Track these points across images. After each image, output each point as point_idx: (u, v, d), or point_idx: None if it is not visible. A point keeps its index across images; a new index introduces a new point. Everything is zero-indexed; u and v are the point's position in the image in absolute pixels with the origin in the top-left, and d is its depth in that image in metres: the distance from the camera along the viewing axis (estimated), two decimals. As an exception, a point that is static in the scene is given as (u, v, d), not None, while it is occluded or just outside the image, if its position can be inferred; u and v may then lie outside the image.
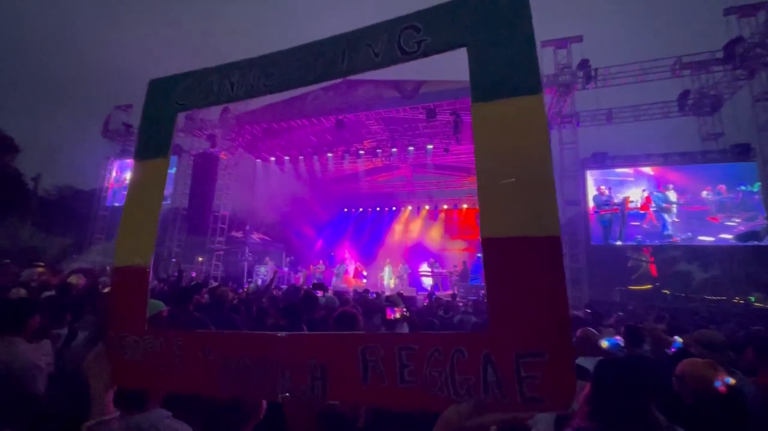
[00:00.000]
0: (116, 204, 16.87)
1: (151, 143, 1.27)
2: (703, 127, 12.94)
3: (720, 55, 11.43)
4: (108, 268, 11.48)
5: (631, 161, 13.04)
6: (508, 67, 0.91)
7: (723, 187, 11.82)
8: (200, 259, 15.12)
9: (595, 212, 12.99)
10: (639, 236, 12.83)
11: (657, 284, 15.97)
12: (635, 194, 12.75)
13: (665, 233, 12.36)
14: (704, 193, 12.05)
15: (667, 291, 14.84)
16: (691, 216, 12.13)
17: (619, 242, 13.09)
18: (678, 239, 12.34)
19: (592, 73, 12.02)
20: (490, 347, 0.78)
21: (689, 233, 12.17)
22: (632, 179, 12.91)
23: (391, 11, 1.15)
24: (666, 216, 12.33)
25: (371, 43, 1.06)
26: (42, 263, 11.69)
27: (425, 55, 1.01)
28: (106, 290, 5.29)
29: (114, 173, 17.24)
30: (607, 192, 12.99)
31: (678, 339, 2.98)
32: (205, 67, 1.31)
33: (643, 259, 17.35)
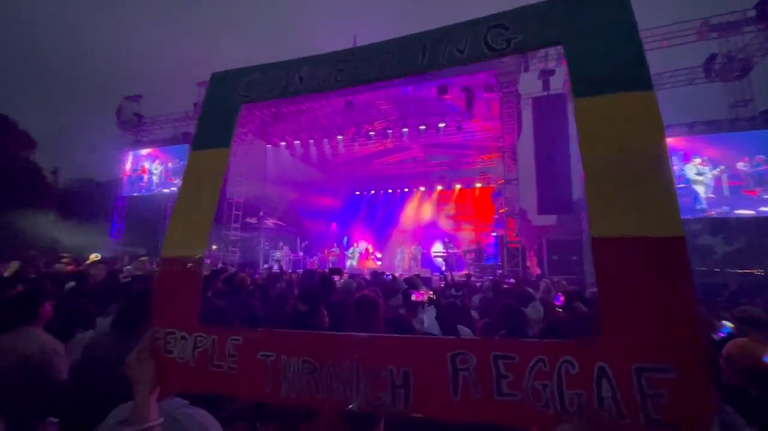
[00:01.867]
0: (134, 194, 17.15)
1: (212, 134, 1.27)
2: (731, 93, 12.25)
3: (752, 13, 10.69)
4: (127, 257, 11.75)
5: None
6: (611, 62, 0.88)
7: (761, 158, 11.17)
8: (214, 247, 15.34)
9: None
10: None
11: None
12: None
13: (698, 206, 11.83)
14: (740, 164, 11.42)
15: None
16: (726, 189, 11.55)
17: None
18: (713, 212, 11.79)
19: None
20: (604, 357, 0.70)
21: (725, 207, 11.60)
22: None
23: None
24: (698, 189, 11.79)
25: (454, 42, 1.05)
26: (66, 255, 12.06)
27: (515, 52, 1.00)
28: (126, 279, 5.37)
29: (129, 164, 17.44)
30: None
31: (727, 323, 2.82)
32: (271, 62, 1.32)
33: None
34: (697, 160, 11.85)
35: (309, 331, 0.97)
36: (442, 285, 6.48)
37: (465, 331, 2.88)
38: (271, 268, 12.83)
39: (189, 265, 1.06)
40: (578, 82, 0.90)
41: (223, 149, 1.24)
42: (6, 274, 5.66)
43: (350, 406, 0.83)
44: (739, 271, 12.26)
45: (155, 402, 0.94)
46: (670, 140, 12.17)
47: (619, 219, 0.77)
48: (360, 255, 17.07)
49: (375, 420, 1.24)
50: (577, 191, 12.10)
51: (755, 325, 2.45)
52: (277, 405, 1.06)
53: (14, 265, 6.56)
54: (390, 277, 7.37)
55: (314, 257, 16.46)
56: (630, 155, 0.80)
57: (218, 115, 1.29)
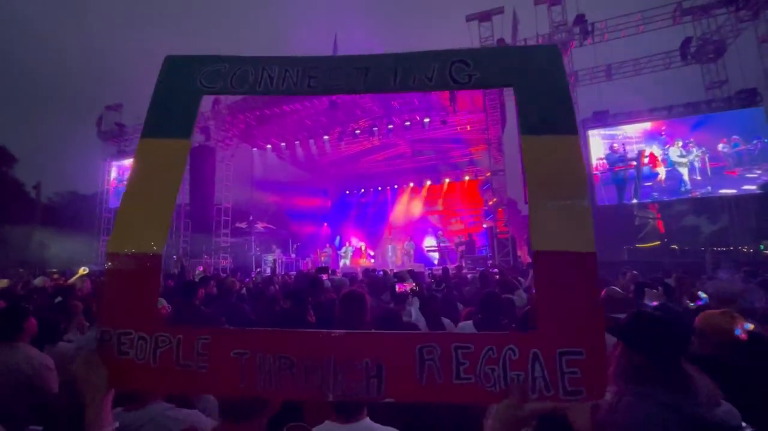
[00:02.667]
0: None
1: (169, 122, 1.18)
2: (707, 75, 12.51)
3: (722, -4, 10.92)
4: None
5: (634, 116, 12.70)
6: (549, 108, 1.07)
7: (737, 137, 11.45)
8: (206, 257, 15.23)
9: (609, 170, 12.68)
10: (655, 194, 12.55)
11: (665, 240, 15.89)
12: (647, 151, 12.40)
13: (683, 188, 12.09)
14: (720, 146, 11.69)
15: (675, 246, 14.78)
16: (709, 170, 11.80)
17: (634, 201, 12.84)
18: (698, 193, 12.07)
19: (589, 28, 11.57)
20: (538, 345, 0.89)
21: (709, 188, 11.89)
22: (637, 136, 12.58)
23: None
24: (682, 171, 12.04)
25: (423, 70, 1.16)
26: (55, 270, 11.87)
27: (474, 87, 1.16)
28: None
29: (114, 174, 17.20)
30: (621, 149, 12.65)
31: (703, 295, 2.96)
32: (235, 55, 1.26)
33: (650, 216, 17.19)
34: (680, 143, 12.10)
35: (286, 329, 1.00)
36: (430, 281, 6.55)
37: (447, 322, 2.95)
38: (264, 272, 12.79)
39: (142, 261, 1.01)
40: (525, 122, 1.09)
41: (182, 140, 1.17)
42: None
43: (330, 397, 0.90)
44: (722, 248, 12.54)
45: (109, 407, 0.93)
46: (651, 124, 12.41)
47: (553, 237, 0.96)
48: (353, 254, 17.09)
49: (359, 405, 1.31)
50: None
51: (725, 298, 2.55)
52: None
53: (2, 282, 6.49)
54: (381, 273, 7.42)
55: (307, 259, 16.43)
56: (561, 185, 1.00)
57: (175, 102, 1.21)
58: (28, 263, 15.78)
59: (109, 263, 1.04)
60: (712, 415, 1.14)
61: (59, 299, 4.49)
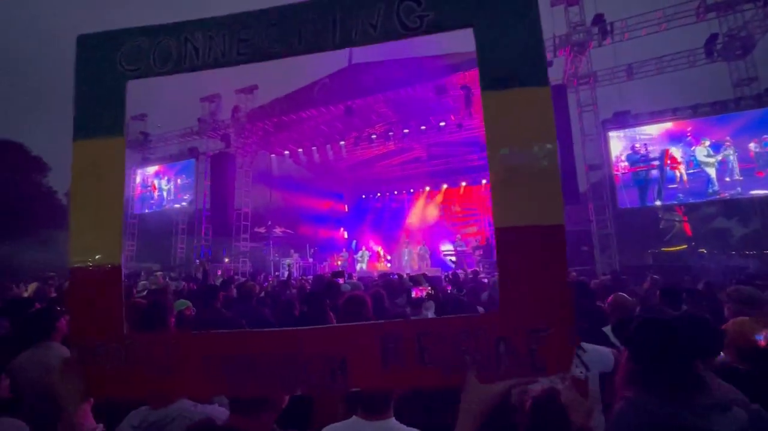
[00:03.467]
0: (146, 211, 17.58)
1: (97, 119, 1.05)
2: (734, 73, 12.03)
3: (749, -9, 10.52)
4: (143, 273, 11.99)
5: (657, 116, 12.32)
6: (516, 55, 0.92)
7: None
8: (227, 259, 15.56)
9: (631, 171, 12.24)
10: (681, 195, 11.98)
11: (692, 243, 15.32)
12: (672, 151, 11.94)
13: (710, 190, 11.54)
14: (751, 145, 11.15)
15: (703, 250, 14.23)
16: (737, 171, 11.27)
17: (658, 203, 12.33)
18: (726, 195, 11.48)
19: (608, 27, 11.34)
20: (503, 326, 0.87)
21: (739, 189, 11.30)
22: (661, 136, 12.19)
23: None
24: (709, 171, 11.56)
25: (366, 14, 0.99)
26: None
27: (428, 32, 0.97)
28: (142, 293, 5.51)
29: (139, 180, 17.83)
30: (643, 149, 12.21)
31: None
32: (153, 25, 1.08)
33: (676, 219, 16.58)
34: (706, 142, 11.65)
35: (253, 329, 1.02)
36: (446, 285, 6.50)
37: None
38: (282, 276, 12.98)
39: (107, 273, 0.99)
40: (486, 73, 0.95)
41: (114, 138, 1.05)
42: (26, 294, 5.86)
43: (298, 391, 0.93)
44: (753, 252, 11.98)
45: (88, 414, 0.95)
46: (675, 124, 12.02)
47: (517, 211, 0.89)
48: (369, 258, 17.13)
49: (387, 397, 1.34)
50: (584, 183, 12.01)
51: (750, 304, 2.46)
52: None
53: (33, 286, 6.82)
54: (396, 277, 7.43)
55: (324, 263, 16.58)
56: (525, 150, 0.89)
57: (99, 94, 1.06)
58: (58, 268, 16.48)
59: (72, 278, 1.02)
60: (710, 423, 1.09)
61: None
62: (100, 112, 1.06)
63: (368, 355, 0.91)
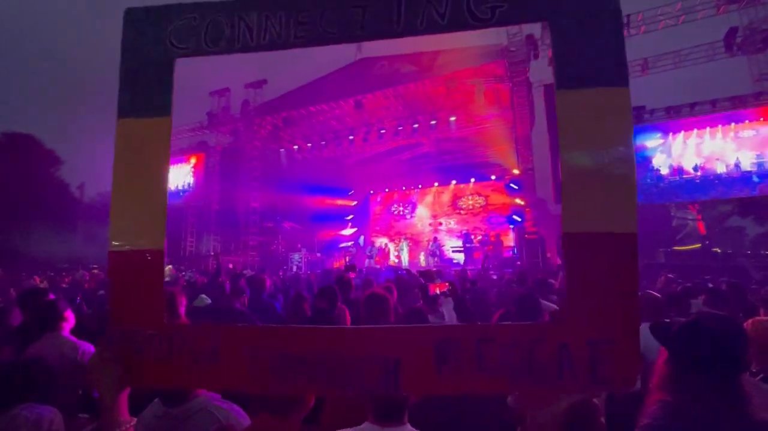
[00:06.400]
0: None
1: (145, 98, 1.02)
2: (755, 66, 11.70)
3: (773, -18, 10.20)
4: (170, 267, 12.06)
5: (673, 112, 12.05)
6: (594, 52, 0.87)
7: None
8: (234, 255, 15.67)
9: (643, 166, 11.96)
10: (694, 193, 11.76)
11: (706, 242, 15.02)
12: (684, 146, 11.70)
13: (724, 187, 11.27)
14: None
15: (717, 250, 13.94)
16: (755, 168, 10.98)
17: (671, 201, 11.96)
18: (742, 193, 11.33)
19: (625, 20, 11.08)
20: (567, 335, 0.83)
21: (756, 187, 11.03)
22: (676, 130, 11.90)
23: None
24: (722, 168, 11.26)
25: (433, 4, 0.94)
26: (96, 266, 12.55)
27: (499, 24, 0.92)
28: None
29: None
30: (656, 144, 11.93)
31: None
32: (208, 1, 1.03)
33: (690, 217, 16.27)
34: (721, 137, 11.39)
35: (300, 326, 0.97)
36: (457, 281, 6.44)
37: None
38: (290, 271, 13.04)
39: (148, 257, 0.95)
40: (561, 70, 0.89)
41: (162, 119, 1.01)
42: (41, 285, 5.97)
43: (347, 393, 0.90)
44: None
45: (125, 404, 0.93)
46: (692, 119, 11.74)
47: (588, 216, 0.85)
48: (378, 253, 17.13)
49: (401, 402, 1.28)
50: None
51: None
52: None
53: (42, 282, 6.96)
54: (404, 273, 7.39)
55: (332, 258, 16.61)
56: (602, 153, 0.85)
57: (147, 72, 1.03)
58: (71, 260, 16.77)
59: (111, 262, 0.98)
60: None
61: (102, 292, 4.74)
62: (147, 90, 1.02)
63: (422, 359, 0.87)
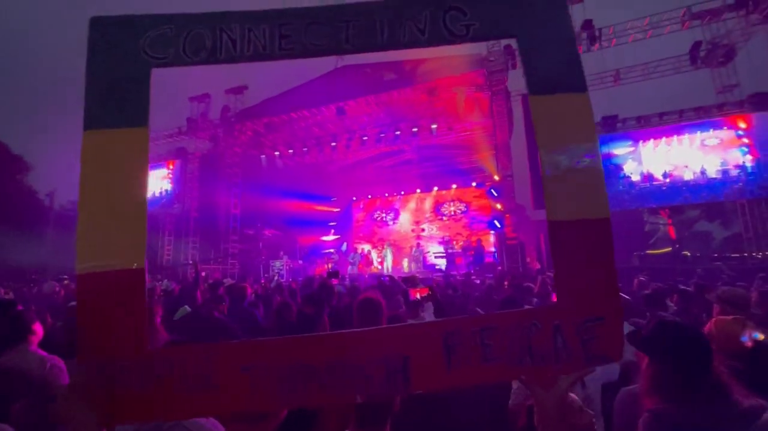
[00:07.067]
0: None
1: (117, 107, 0.97)
2: (717, 79, 12.38)
3: (732, 0, 10.85)
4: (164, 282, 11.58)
5: (643, 121, 12.59)
6: (556, 64, 1.00)
7: (747, 143, 11.18)
8: (213, 263, 15.30)
9: (615, 174, 12.40)
10: (664, 198, 12.27)
11: (676, 246, 15.63)
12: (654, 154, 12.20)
13: (691, 193, 11.75)
14: (732, 151, 11.34)
15: (687, 253, 14.53)
16: (719, 175, 11.57)
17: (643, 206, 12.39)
18: (708, 198, 11.89)
19: (596, 33, 11.55)
20: (559, 317, 0.90)
21: (721, 192, 11.61)
22: (645, 139, 12.41)
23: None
24: (689, 176, 11.81)
25: (413, 19, 1.02)
26: (66, 277, 12.02)
27: (473, 40, 1.03)
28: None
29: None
30: (627, 153, 12.35)
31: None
32: (184, 13, 1.02)
33: (661, 222, 16.96)
34: (688, 145, 11.94)
35: (297, 335, 0.92)
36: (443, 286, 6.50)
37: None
38: (272, 279, 12.81)
39: (127, 278, 0.86)
40: (532, 79, 1.01)
41: (137, 129, 0.97)
42: (6, 296, 5.68)
43: (358, 399, 0.87)
44: (736, 255, 12.30)
45: None
46: (661, 128, 12.29)
47: (567, 206, 0.94)
48: (360, 260, 17.07)
49: (384, 409, 1.26)
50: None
51: (738, 305, 2.50)
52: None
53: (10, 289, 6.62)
54: (387, 279, 7.40)
55: (314, 265, 16.44)
56: (573, 149, 0.96)
57: (118, 81, 0.98)
58: (40, 270, 16.02)
59: (81, 287, 0.88)
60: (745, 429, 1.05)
61: (73, 303, 4.54)
62: (119, 101, 0.97)
63: (433, 355, 0.89)
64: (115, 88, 0.98)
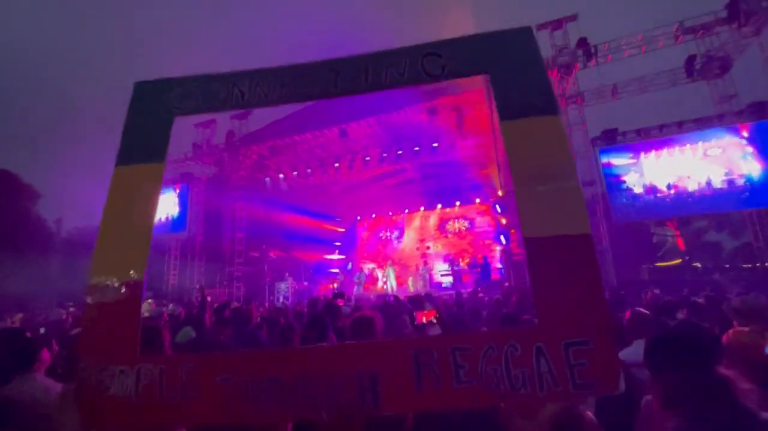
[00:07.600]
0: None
1: (143, 148, 1.17)
2: (715, 90, 12.48)
3: (723, 14, 11.05)
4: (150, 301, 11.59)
5: (643, 133, 12.63)
6: (527, 92, 1.07)
7: (751, 151, 11.14)
8: (218, 286, 15.27)
9: (621, 187, 12.30)
10: (671, 210, 12.08)
11: (686, 257, 15.40)
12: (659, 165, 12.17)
13: (699, 204, 11.63)
14: (736, 160, 11.27)
15: (697, 264, 14.30)
16: (725, 185, 11.49)
17: (650, 219, 12.33)
18: (716, 209, 11.76)
19: (592, 50, 11.77)
20: (540, 339, 0.85)
21: (728, 203, 11.44)
22: (647, 151, 12.42)
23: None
24: (694, 187, 11.74)
25: (394, 65, 1.15)
26: (71, 304, 12.02)
27: (449, 78, 1.13)
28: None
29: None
30: (631, 164, 12.33)
31: None
32: (205, 74, 1.24)
33: (669, 233, 16.77)
34: (691, 157, 11.91)
35: (273, 348, 0.96)
36: (450, 305, 6.41)
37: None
38: (278, 301, 12.73)
39: (123, 290, 0.95)
40: (502, 107, 1.08)
41: (156, 164, 1.17)
42: (16, 324, 5.69)
43: (324, 416, 0.85)
44: (749, 266, 12.07)
45: None
46: (662, 139, 12.32)
47: (544, 222, 0.94)
48: (366, 280, 16.95)
49: (396, 424, 1.21)
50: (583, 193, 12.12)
51: (755, 316, 2.44)
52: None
53: (18, 317, 6.62)
54: (392, 299, 7.32)
55: (320, 286, 16.35)
56: (546, 167, 0.98)
57: (148, 127, 1.20)
58: (47, 296, 16.04)
59: (90, 297, 0.99)
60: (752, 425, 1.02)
61: (77, 330, 4.53)
62: (146, 142, 1.18)
63: (402, 373, 0.86)
64: (146, 134, 1.19)
